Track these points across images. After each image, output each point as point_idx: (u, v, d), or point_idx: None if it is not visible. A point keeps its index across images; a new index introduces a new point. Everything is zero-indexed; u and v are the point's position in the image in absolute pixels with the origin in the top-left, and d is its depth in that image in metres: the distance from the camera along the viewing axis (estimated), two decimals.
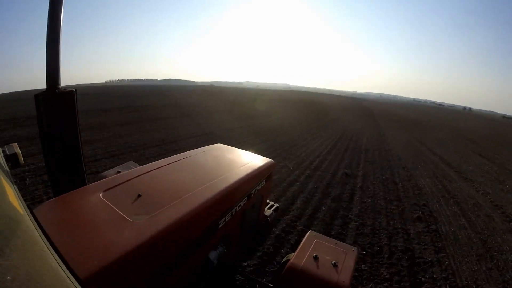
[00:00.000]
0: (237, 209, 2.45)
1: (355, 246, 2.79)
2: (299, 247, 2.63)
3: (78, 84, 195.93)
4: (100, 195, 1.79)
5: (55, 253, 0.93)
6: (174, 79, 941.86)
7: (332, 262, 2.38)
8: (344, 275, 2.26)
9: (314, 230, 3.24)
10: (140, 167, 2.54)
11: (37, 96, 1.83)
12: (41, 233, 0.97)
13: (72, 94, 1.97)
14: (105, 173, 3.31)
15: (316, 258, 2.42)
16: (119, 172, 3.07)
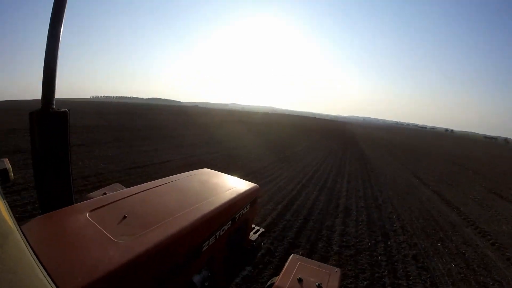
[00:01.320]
0: (221, 233, 2.48)
1: (338, 267, 2.94)
2: (283, 270, 2.65)
3: (63, 98, 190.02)
4: (87, 214, 1.84)
5: (42, 267, 1.03)
6: (160, 98, 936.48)
7: (317, 283, 2.42)
8: None
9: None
10: (126, 189, 2.57)
11: (32, 114, 1.88)
12: (29, 248, 1.06)
13: (65, 114, 2.02)
14: (91, 194, 3.28)
15: (300, 280, 2.46)
16: (105, 193, 2.98)
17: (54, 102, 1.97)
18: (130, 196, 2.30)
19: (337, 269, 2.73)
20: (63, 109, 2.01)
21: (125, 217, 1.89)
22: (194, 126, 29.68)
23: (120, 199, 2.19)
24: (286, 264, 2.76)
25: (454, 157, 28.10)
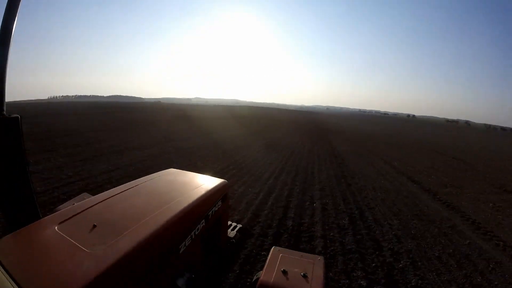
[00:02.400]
0: (197, 232, 2.48)
1: (320, 255, 2.93)
2: (266, 264, 2.64)
3: (18, 101, 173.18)
4: (56, 227, 1.81)
5: (16, 287, 1.05)
6: (121, 96, 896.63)
7: (302, 273, 2.44)
8: (316, 284, 2.34)
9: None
10: (93, 197, 2.52)
11: None
12: (1, 269, 1.13)
13: (16, 121, 1.95)
14: (60, 206, 3.19)
15: (285, 272, 2.46)
16: (73, 204, 2.82)
17: (4, 108, 1.91)
18: (97, 204, 2.26)
19: (320, 257, 2.73)
20: (14, 115, 1.94)
21: (95, 226, 1.86)
22: (133, 126, 24.44)
23: (88, 208, 2.16)
24: (268, 257, 2.74)
25: (441, 148, 25.33)
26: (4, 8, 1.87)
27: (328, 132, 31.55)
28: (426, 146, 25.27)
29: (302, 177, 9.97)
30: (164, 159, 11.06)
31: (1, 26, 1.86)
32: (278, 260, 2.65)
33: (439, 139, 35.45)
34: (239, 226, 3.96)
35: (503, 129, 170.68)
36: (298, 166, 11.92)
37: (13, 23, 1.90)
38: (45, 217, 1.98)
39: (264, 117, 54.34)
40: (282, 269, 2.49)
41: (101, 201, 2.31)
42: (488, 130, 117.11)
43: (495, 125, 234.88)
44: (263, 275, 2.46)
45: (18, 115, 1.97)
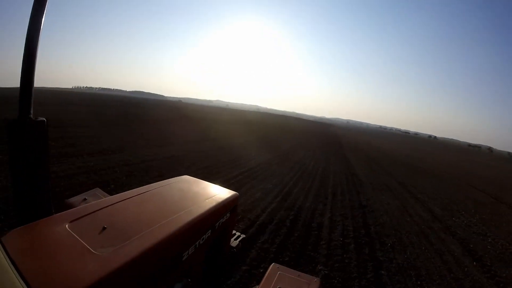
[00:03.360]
0: (201, 242, 2.50)
1: (317, 277, 3.03)
2: (263, 280, 2.65)
3: (42, 87, 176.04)
4: (66, 226, 1.82)
5: (22, 280, 1.07)
6: (143, 92, 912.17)
7: None
8: None
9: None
10: (106, 198, 2.56)
11: (9, 124, 1.88)
12: (8, 260, 1.13)
13: (43, 124, 2.01)
14: (71, 199, 3.22)
15: None
16: (85, 199, 3.14)
17: (32, 110, 1.96)
18: (110, 205, 2.25)
19: (316, 279, 2.73)
20: (40, 118, 1.99)
21: (104, 228, 1.87)
22: (125, 122, 21.48)
23: (100, 209, 2.15)
24: (266, 274, 2.75)
25: (474, 180, 21.08)
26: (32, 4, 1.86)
27: (345, 147, 27.40)
28: (461, 177, 20.76)
29: (298, 239, 5.69)
30: (101, 178, 7.28)
31: (28, 27, 1.87)
32: (275, 277, 2.65)
33: (473, 169, 30.82)
34: (242, 236, 3.91)
35: None
36: (299, 211, 7.36)
37: (41, 23, 1.92)
38: (57, 214, 1.99)
39: (279, 126, 50.62)
40: (278, 287, 2.49)
41: (114, 203, 2.29)
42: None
43: None
44: None
45: (44, 118, 1.99)
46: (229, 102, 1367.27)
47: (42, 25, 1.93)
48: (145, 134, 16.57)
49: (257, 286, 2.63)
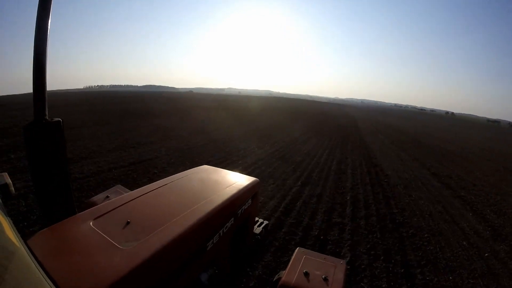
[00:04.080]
0: (225, 230, 2.53)
1: (343, 259, 3.20)
2: (289, 264, 2.66)
3: (54, 90, 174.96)
4: (91, 223, 1.86)
5: (49, 280, 1.08)
6: (155, 85, 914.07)
7: (323, 276, 2.46)
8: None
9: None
10: (128, 193, 2.60)
11: (26, 127, 1.91)
12: (35, 262, 1.11)
13: (59, 124, 2.04)
14: (93, 198, 3.27)
15: (306, 274, 2.48)
16: (107, 197, 3.11)
17: (47, 112, 1.99)
18: (132, 200, 2.31)
19: (342, 261, 2.75)
20: (56, 119, 2.02)
21: (128, 222, 1.91)
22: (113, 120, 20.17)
23: (122, 204, 2.20)
24: (292, 258, 2.76)
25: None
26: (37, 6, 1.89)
27: (362, 130, 24.81)
28: (497, 159, 18.01)
29: None
30: None
31: (35, 31, 1.90)
32: (301, 261, 2.66)
33: (504, 148, 27.79)
34: (265, 222, 3.99)
35: None
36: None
37: (47, 26, 1.94)
38: (81, 213, 2.03)
39: (289, 111, 48.09)
40: (304, 270, 2.50)
41: (136, 198, 2.35)
42: None
43: None
44: (285, 276, 2.49)
45: (60, 119, 2.03)
46: (241, 89, 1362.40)
47: (49, 28, 1.94)
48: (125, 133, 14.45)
49: (284, 271, 2.60)
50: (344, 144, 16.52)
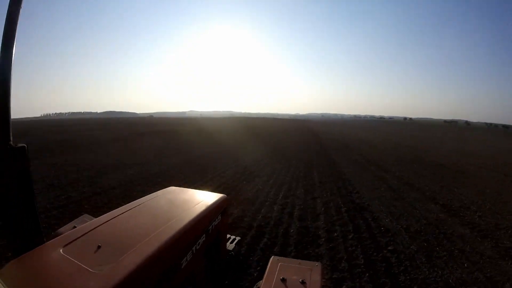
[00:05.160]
0: (198, 247, 2.55)
1: (318, 261, 3.09)
2: (265, 274, 2.66)
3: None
4: (61, 250, 1.82)
5: None
6: (115, 111, 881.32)
7: (300, 280, 2.46)
8: None
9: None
10: (96, 218, 2.53)
11: None
12: None
13: (23, 150, 1.98)
14: (61, 229, 3.19)
15: (284, 280, 2.48)
16: (74, 227, 2.95)
17: (11, 137, 1.95)
18: (101, 225, 2.25)
19: (318, 263, 2.76)
20: (20, 145, 1.96)
21: (99, 246, 1.87)
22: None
23: (92, 230, 2.16)
24: (268, 267, 2.75)
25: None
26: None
27: (329, 147, 20.84)
28: (490, 168, 14.57)
29: None
30: None
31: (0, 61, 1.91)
32: (277, 269, 2.66)
33: (484, 150, 25.05)
34: (237, 238, 4.00)
35: (506, 127, 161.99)
36: None
37: (12, 55, 1.94)
38: (49, 241, 1.99)
39: (246, 131, 43.80)
40: (281, 277, 2.50)
41: (104, 222, 2.30)
42: (491, 129, 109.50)
43: (496, 123, 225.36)
44: (263, 285, 2.49)
45: (24, 145, 1.96)
46: (202, 111, 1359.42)
47: (13, 55, 1.93)
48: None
49: (261, 281, 2.60)
50: (309, 173, 12.10)
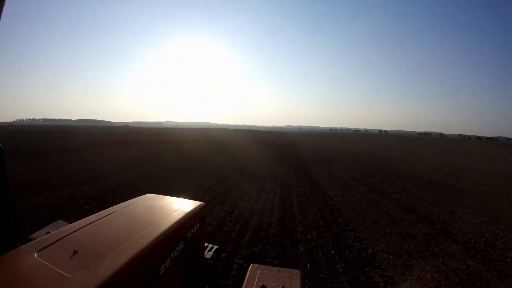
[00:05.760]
0: (176, 254, 2.48)
1: (298, 269, 3.01)
2: (245, 282, 2.60)
3: None
4: (35, 255, 1.75)
5: None
6: (90, 119, 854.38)
7: (280, 287, 2.42)
8: None
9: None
10: (71, 224, 2.45)
11: None
12: None
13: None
14: (34, 235, 3.02)
15: (263, 287, 2.43)
16: (48, 232, 2.77)
17: None
18: (76, 230, 2.18)
19: (297, 271, 2.74)
20: None
21: (75, 251, 1.80)
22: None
23: (68, 235, 2.08)
24: (247, 275, 2.70)
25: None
26: None
27: (309, 162, 18.69)
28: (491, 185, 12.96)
29: None
30: None
31: None
32: (256, 276, 2.62)
33: (465, 162, 23.77)
34: (215, 247, 3.93)
35: (479, 138, 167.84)
36: None
37: None
38: (23, 245, 1.92)
39: (220, 143, 41.25)
40: (260, 284, 2.45)
41: (80, 228, 2.23)
42: (465, 141, 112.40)
43: (469, 135, 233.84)
44: None
45: (1, 145, 1.87)
46: (179, 122, 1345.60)
47: None
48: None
49: None
50: (285, 199, 9.62)
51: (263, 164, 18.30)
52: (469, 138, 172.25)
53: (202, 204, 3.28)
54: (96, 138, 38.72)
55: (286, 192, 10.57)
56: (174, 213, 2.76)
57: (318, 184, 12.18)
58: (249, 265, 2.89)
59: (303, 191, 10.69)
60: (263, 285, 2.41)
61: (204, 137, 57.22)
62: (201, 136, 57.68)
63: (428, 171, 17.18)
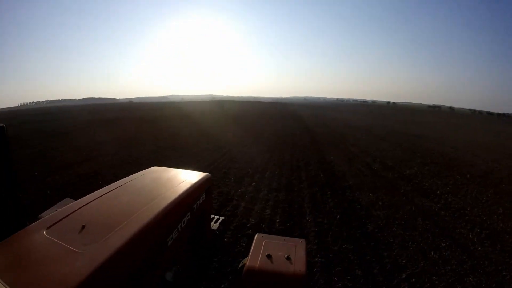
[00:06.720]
0: (183, 225, 2.52)
1: (303, 238, 2.94)
2: (251, 250, 2.64)
3: None
4: (44, 232, 1.77)
5: None
6: (94, 98, 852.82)
7: (285, 256, 2.45)
8: (299, 265, 2.37)
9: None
10: (78, 200, 2.45)
11: None
12: None
13: (2, 130, 1.89)
14: (43, 214, 3.06)
15: (269, 256, 2.47)
16: (57, 210, 2.76)
17: None
18: (84, 206, 2.20)
19: (302, 240, 2.76)
20: None
21: (84, 226, 1.83)
22: None
23: (75, 211, 2.10)
24: (253, 244, 2.72)
25: None
26: None
27: (320, 139, 15.20)
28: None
29: None
30: None
31: None
32: (262, 245, 2.64)
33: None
34: (221, 218, 3.96)
35: (490, 113, 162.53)
36: None
37: None
38: (32, 224, 1.91)
39: (224, 116, 38.11)
40: (266, 253, 2.48)
41: (88, 203, 2.25)
42: (477, 115, 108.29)
43: (480, 110, 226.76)
44: (249, 261, 2.46)
45: (3, 125, 1.86)
46: (184, 95, 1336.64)
47: None
48: None
49: (247, 258, 2.56)
50: (292, 217, 6.56)
51: (260, 152, 15.04)
52: (480, 113, 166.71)
53: (208, 175, 3.27)
54: (83, 119, 34.85)
55: (294, 199, 7.11)
56: (180, 184, 2.75)
57: (340, 180, 8.92)
58: (255, 235, 2.85)
59: (320, 196, 7.27)
60: (269, 254, 2.45)
61: (203, 110, 53.74)
62: (198, 109, 54.25)
63: (474, 157, 13.86)
